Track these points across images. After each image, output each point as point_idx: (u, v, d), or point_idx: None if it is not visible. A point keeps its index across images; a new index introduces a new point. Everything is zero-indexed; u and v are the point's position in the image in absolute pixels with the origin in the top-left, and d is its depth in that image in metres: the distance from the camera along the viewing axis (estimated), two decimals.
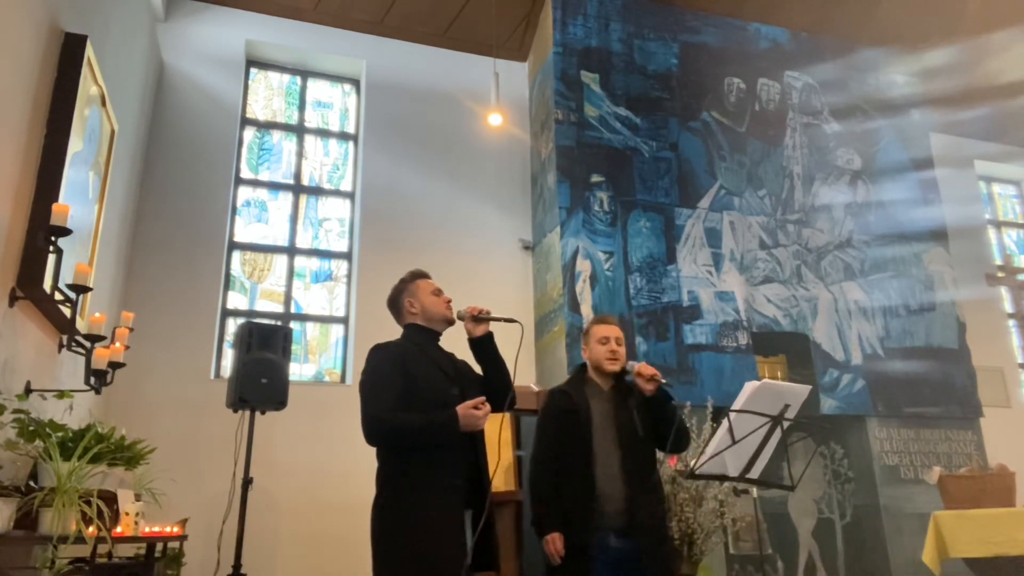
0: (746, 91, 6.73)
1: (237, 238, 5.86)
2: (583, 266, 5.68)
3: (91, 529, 2.60)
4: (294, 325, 5.70)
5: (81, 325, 3.44)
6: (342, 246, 6.15)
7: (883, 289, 6.52)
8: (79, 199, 3.50)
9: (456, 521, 2.33)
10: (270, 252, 5.95)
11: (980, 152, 8.22)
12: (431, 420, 2.35)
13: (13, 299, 2.90)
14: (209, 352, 5.29)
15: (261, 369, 3.95)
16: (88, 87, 3.50)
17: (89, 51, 3.43)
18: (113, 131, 4.11)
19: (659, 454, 2.97)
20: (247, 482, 3.90)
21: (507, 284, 6.12)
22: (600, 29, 6.38)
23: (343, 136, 6.48)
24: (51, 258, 3.00)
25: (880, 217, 6.77)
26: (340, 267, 6.11)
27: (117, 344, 3.66)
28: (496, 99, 5.54)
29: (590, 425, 2.85)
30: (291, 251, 6.00)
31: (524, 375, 5.71)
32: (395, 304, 2.72)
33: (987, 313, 7.34)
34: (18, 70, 2.91)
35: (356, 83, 6.59)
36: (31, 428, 2.64)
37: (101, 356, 3.48)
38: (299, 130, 6.36)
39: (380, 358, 2.50)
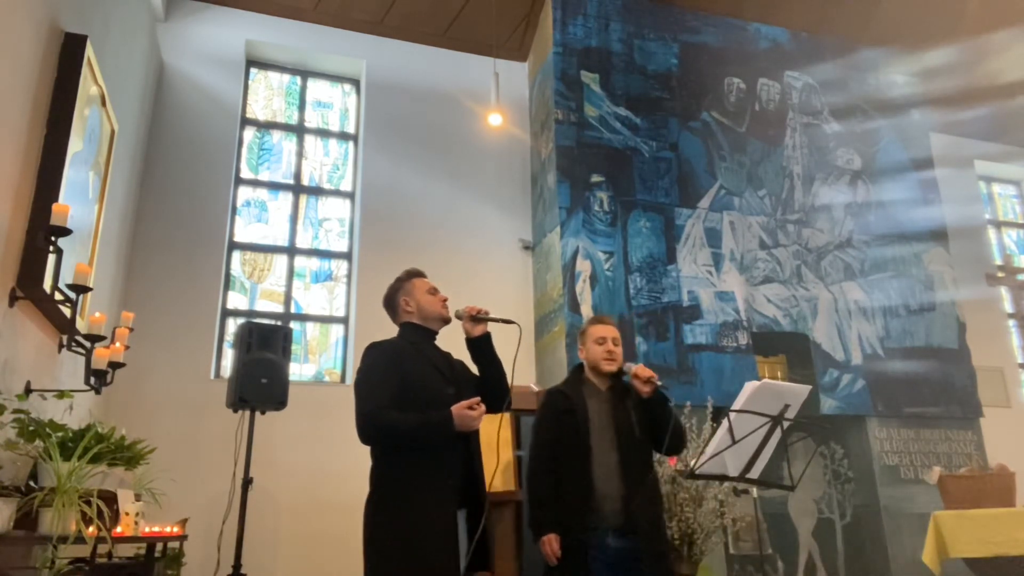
0: (746, 91, 6.73)
1: (237, 238, 5.86)
2: (583, 266, 5.68)
3: (91, 529, 2.60)
4: (294, 325, 5.70)
5: (81, 325, 3.44)
6: (342, 246, 6.15)
7: (883, 289, 6.52)
8: (79, 199, 3.50)
9: (449, 521, 2.32)
10: (270, 252, 5.95)
11: (980, 152, 8.22)
12: (426, 419, 2.34)
13: (13, 299, 2.90)
14: (209, 352, 5.29)
15: (261, 369, 3.95)
16: (88, 87, 3.50)
17: (89, 51, 3.43)
18: (113, 131, 4.11)
19: (657, 454, 2.97)
20: (247, 482, 3.91)
21: (507, 284, 6.12)
22: (600, 29, 6.38)
23: (343, 136, 6.48)
24: (51, 258, 3.00)
25: (880, 217, 6.77)
26: (340, 267, 6.11)
27: (117, 344, 3.66)
28: (496, 99, 5.54)
29: (588, 425, 2.85)
30: (291, 251, 6.00)
31: (524, 375, 5.71)
32: (391, 303, 2.72)
33: (987, 313, 7.34)
34: (18, 70, 2.91)
35: (356, 83, 6.59)
36: (31, 428, 2.64)
37: (101, 356, 3.48)
38: (299, 130, 6.36)
39: (376, 356, 2.50)
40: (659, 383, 2.78)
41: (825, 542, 5.69)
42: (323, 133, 6.45)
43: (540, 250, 6.14)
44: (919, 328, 6.50)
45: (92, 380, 3.46)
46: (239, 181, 5.98)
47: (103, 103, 3.83)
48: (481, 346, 2.60)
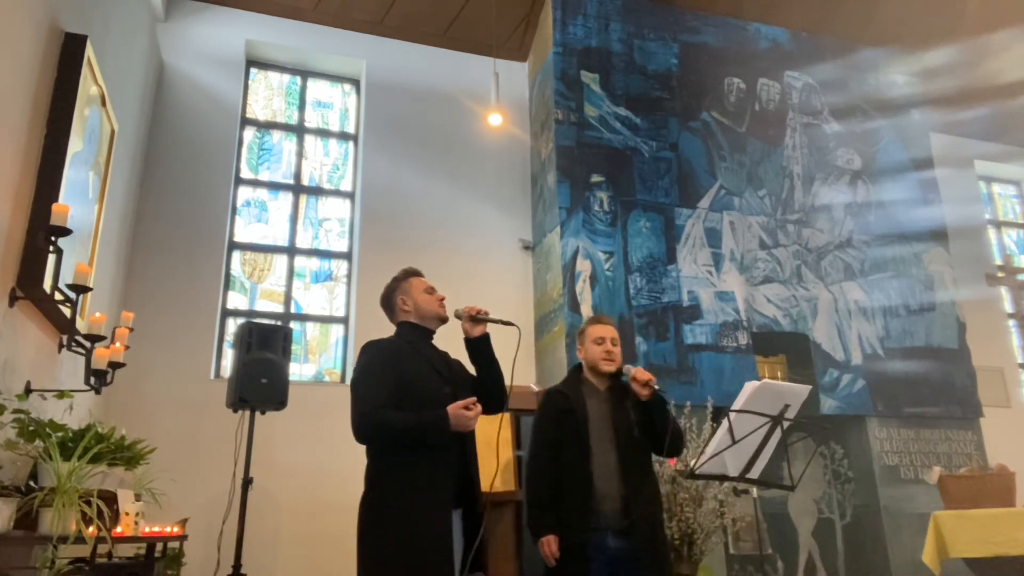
0: (746, 91, 6.73)
1: (237, 238, 5.86)
2: (583, 266, 5.68)
3: (91, 529, 2.60)
4: (294, 325, 5.70)
5: (81, 325, 3.44)
6: (342, 246, 6.15)
7: (883, 289, 6.52)
8: (79, 199, 3.50)
9: (443, 521, 2.32)
10: (270, 252, 5.95)
11: (980, 152, 8.22)
12: (421, 419, 2.34)
13: (13, 299, 2.90)
14: (209, 352, 5.29)
15: (261, 369, 3.95)
16: (88, 87, 3.50)
17: (89, 51, 3.43)
18: (113, 131, 4.11)
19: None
20: (247, 482, 3.91)
21: (507, 284, 6.12)
22: (600, 29, 6.38)
23: (343, 136, 6.48)
24: (51, 258, 3.00)
25: (880, 217, 6.77)
26: (340, 267, 6.11)
27: (117, 344, 3.66)
28: (496, 99, 5.54)
29: (587, 425, 2.85)
30: (291, 251, 6.00)
31: (524, 375, 5.71)
32: (388, 302, 2.71)
33: (987, 313, 7.34)
34: (18, 70, 2.91)
35: (356, 83, 6.59)
36: (31, 428, 2.64)
37: (101, 356, 3.48)
38: (299, 130, 6.36)
39: (372, 355, 2.49)
40: (657, 387, 2.78)
41: (825, 542, 5.69)
42: (323, 133, 6.45)
43: (540, 250, 6.15)
44: (919, 328, 6.50)
45: (92, 380, 3.46)
46: (239, 181, 5.98)
47: (103, 103, 3.83)
48: (480, 347, 2.60)
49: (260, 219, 6.03)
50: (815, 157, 6.77)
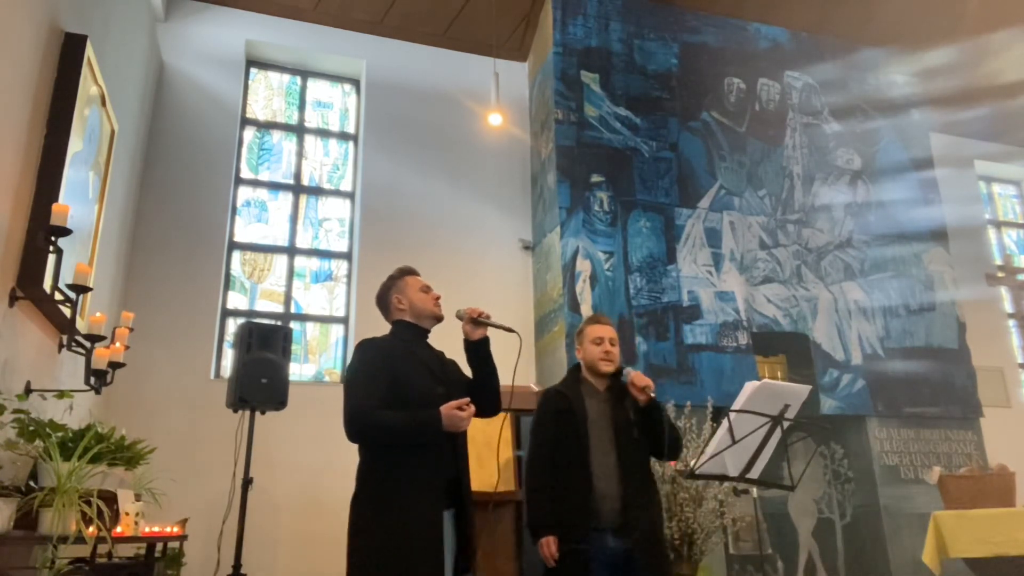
0: (746, 91, 6.73)
1: (237, 238, 5.86)
2: (583, 266, 5.68)
3: (91, 529, 2.60)
4: (294, 325, 5.70)
5: (81, 325, 3.44)
6: (342, 246, 6.15)
7: (883, 289, 6.52)
8: (79, 199, 3.50)
9: (435, 521, 2.30)
10: (270, 252, 5.95)
11: (980, 152, 8.22)
12: (414, 418, 2.33)
13: (13, 299, 2.90)
14: (209, 352, 5.29)
15: (261, 369, 3.95)
16: (88, 87, 3.50)
17: (89, 51, 3.44)
18: (113, 131, 4.11)
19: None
20: (247, 482, 3.91)
21: (507, 284, 6.12)
22: (600, 29, 6.38)
23: (343, 136, 6.48)
24: (51, 258, 3.00)
25: (880, 217, 6.77)
26: (340, 267, 6.11)
27: (117, 344, 3.66)
28: (496, 99, 5.54)
29: (586, 425, 2.84)
30: (291, 251, 6.00)
31: (524, 375, 5.70)
32: (383, 301, 2.69)
33: (987, 313, 7.34)
34: (18, 70, 2.91)
35: (356, 83, 6.59)
36: (31, 428, 2.64)
37: (101, 356, 3.48)
38: (299, 130, 6.36)
39: (366, 354, 2.48)
40: (653, 395, 2.77)
41: (825, 542, 5.69)
42: (323, 133, 6.45)
43: (540, 250, 6.15)
44: (919, 328, 6.50)
45: (92, 380, 3.46)
46: (239, 181, 5.98)
47: (103, 103, 3.83)
48: (479, 350, 2.57)
49: (260, 219, 6.03)
50: (815, 157, 6.77)
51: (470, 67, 6.52)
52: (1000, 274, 7.29)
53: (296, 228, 6.07)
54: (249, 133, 6.19)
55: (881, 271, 6.58)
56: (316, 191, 6.25)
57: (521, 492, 3.57)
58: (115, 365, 3.60)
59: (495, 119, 5.78)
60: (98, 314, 3.59)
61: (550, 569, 2.72)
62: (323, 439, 5.14)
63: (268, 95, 6.39)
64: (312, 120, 6.46)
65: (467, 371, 2.65)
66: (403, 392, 2.39)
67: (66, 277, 3.11)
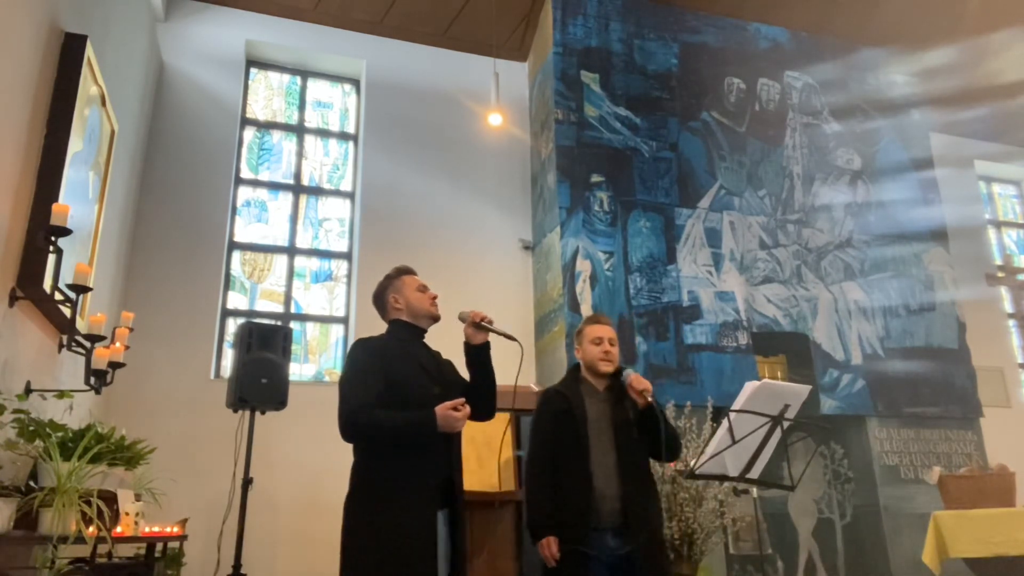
0: (746, 91, 6.73)
1: (237, 238, 5.86)
2: (583, 266, 5.68)
3: (91, 529, 2.60)
4: (294, 325, 5.70)
5: (81, 325, 3.44)
6: (342, 246, 6.15)
7: (883, 289, 6.52)
8: (79, 199, 3.50)
9: (429, 522, 2.30)
10: (270, 252, 5.95)
11: (980, 152, 8.22)
12: (408, 419, 2.32)
13: (13, 299, 2.90)
14: (209, 352, 5.29)
15: (261, 369, 3.95)
16: (88, 87, 3.50)
17: (89, 51, 3.44)
18: (113, 131, 4.11)
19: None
20: (247, 482, 3.91)
21: (507, 284, 6.12)
22: (600, 29, 6.38)
23: (343, 136, 6.48)
24: (51, 258, 3.00)
25: (880, 217, 6.77)
26: (340, 267, 6.11)
27: (117, 344, 3.66)
28: (496, 99, 5.54)
29: (586, 425, 2.84)
30: (291, 251, 6.00)
31: (524, 375, 5.69)
32: (380, 300, 2.68)
33: (987, 313, 7.34)
34: (18, 70, 2.91)
35: (356, 83, 6.59)
36: (31, 428, 2.64)
37: (101, 356, 3.48)
38: (299, 130, 6.36)
39: (361, 353, 2.47)
40: (650, 400, 2.76)
41: (825, 542, 5.69)
42: (323, 133, 6.45)
43: (540, 250, 6.15)
44: (919, 328, 6.50)
45: (92, 380, 3.46)
46: (239, 181, 5.98)
47: (103, 103, 3.83)
48: (479, 355, 2.56)
49: (260, 219, 6.03)
50: (815, 157, 6.77)
51: (470, 67, 6.52)
52: (1000, 274, 7.29)
53: (296, 228, 6.07)
54: (249, 133, 6.19)
55: (881, 271, 6.58)
56: (316, 191, 6.25)
57: (521, 492, 3.58)
58: (115, 365, 3.60)
59: (495, 119, 5.78)
60: (98, 314, 3.59)
61: (550, 569, 2.72)
62: (323, 439, 5.12)
63: (268, 95, 6.39)
64: (312, 120, 6.46)
65: (465, 372, 2.64)
66: (398, 392, 2.38)
67: (66, 277, 3.11)
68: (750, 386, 2.96)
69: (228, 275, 5.70)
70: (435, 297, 2.66)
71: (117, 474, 3.05)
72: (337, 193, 6.30)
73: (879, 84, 7.27)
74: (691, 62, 6.59)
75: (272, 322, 5.02)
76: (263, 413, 4.10)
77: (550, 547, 2.70)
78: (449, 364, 2.65)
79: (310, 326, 5.92)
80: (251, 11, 6.09)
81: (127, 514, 3.12)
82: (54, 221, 2.91)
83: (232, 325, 5.57)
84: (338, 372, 5.81)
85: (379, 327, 2.73)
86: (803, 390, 2.99)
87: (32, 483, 2.62)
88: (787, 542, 5.58)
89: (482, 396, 2.54)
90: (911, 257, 6.74)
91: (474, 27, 6.46)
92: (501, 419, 3.82)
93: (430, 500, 2.32)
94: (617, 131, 6.14)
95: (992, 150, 8.28)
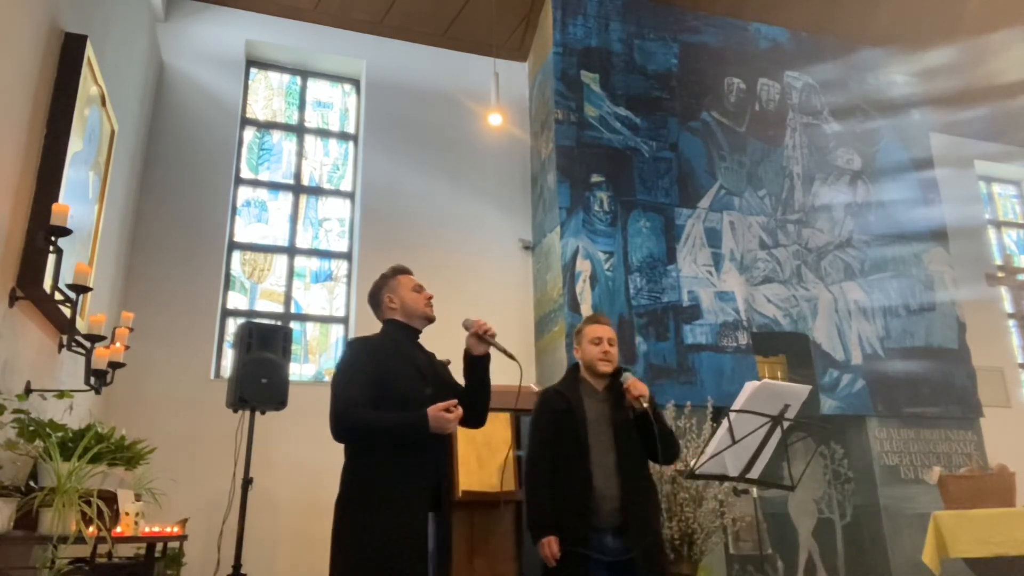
0: (746, 91, 6.73)
1: (237, 238, 5.86)
2: (583, 266, 5.68)
3: (91, 529, 2.60)
4: (294, 325, 5.70)
5: (81, 325, 3.44)
6: (342, 246, 6.15)
7: (883, 289, 6.52)
8: (79, 199, 3.50)
9: (419, 524, 2.28)
10: (270, 252, 5.95)
11: (980, 152, 8.22)
12: (400, 419, 2.30)
13: (13, 299, 2.90)
14: (209, 352, 5.29)
15: (261, 369, 3.95)
16: (88, 87, 3.50)
17: (89, 51, 3.43)
18: (113, 131, 4.11)
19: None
20: (247, 482, 3.91)
21: (507, 284, 6.12)
22: (600, 29, 6.38)
23: (343, 136, 6.48)
24: (51, 258, 3.00)
25: (880, 217, 6.77)
26: (340, 267, 6.11)
27: (117, 344, 3.66)
28: (496, 99, 5.54)
29: (585, 425, 2.84)
30: (291, 251, 6.00)
31: (524, 375, 5.70)
32: (375, 299, 2.67)
33: (987, 313, 7.34)
34: (18, 70, 2.91)
35: (356, 83, 6.59)
36: (31, 428, 2.64)
37: (101, 356, 3.48)
38: (299, 130, 6.36)
39: (354, 353, 2.46)
40: (645, 405, 2.75)
41: (825, 542, 5.69)
42: (323, 133, 6.45)
43: (540, 250, 6.14)
44: (919, 328, 6.50)
45: (92, 380, 3.46)
46: (239, 181, 5.98)
47: (103, 103, 3.83)
48: (477, 366, 2.53)
49: (260, 219, 6.03)
50: (815, 157, 6.77)
51: (470, 67, 6.52)
52: (1000, 274, 7.29)
53: (296, 228, 6.07)
54: (249, 133, 6.19)
55: (881, 271, 6.58)
56: (316, 191, 6.25)
57: (521, 492, 3.58)
58: (115, 365, 3.60)
59: (495, 119, 5.78)
60: (98, 314, 3.59)
61: (549, 569, 2.72)
62: (323, 439, 5.10)
63: (268, 95, 6.39)
64: (312, 120, 6.46)
65: (460, 377, 2.62)
66: (390, 392, 2.36)
67: (66, 277, 3.11)
68: (750, 386, 2.96)
69: (228, 275, 5.70)
70: (430, 297, 2.64)
71: (117, 474, 3.05)
72: (337, 193, 6.29)
73: (879, 84, 7.27)
74: (691, 62, 6.59)
75: (272, 322, 5.02)
76: (263, 413, 4.10)
77: (551, 547, 2.70)
78: (443, 366, 2.64)
79: (310, 326, 5.92)
80: (251, 11, 6.09)
81: (127, 514, 3.12)
82: (54, 221, 2.91)
83: (232, 325, 5.57)
84: None
85: (378, 326, 2.73)
86: (803, 390, 2.99)
87: (32, 483, 2.61)
88: (787, 542, 5.59)
89: (474, 405, 2.51)
90: (911, 257, 6.74)
91: (474, 27, 6.46)
92: (501, 419, 3.83)
93: (421, 503, 2.31)
94: (617, 131, 6.14)
95: (992, 150, 8.28)
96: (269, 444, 4.82)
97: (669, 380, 5.51)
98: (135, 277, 5.21)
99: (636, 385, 2.79)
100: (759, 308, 6.06)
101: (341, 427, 2.33)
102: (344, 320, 5.94)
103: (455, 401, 2.34)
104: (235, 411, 3.98)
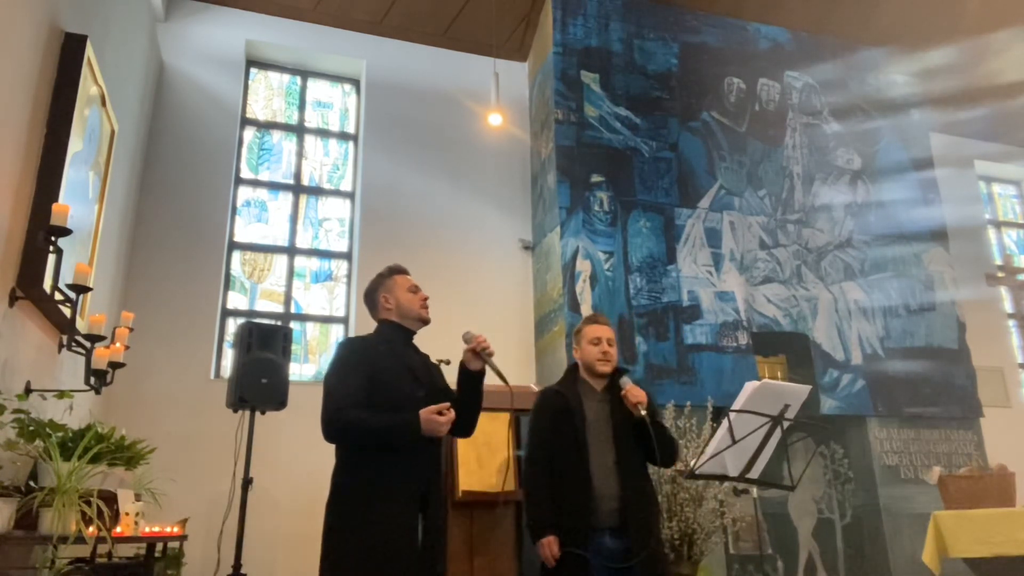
0: (746, 91, 6.73)
1: (237, 238, 5.86)
2: (583, 266, 5.68)
3: (91, 529, 2.59)
4: (294, 325, 5.70)
5: (81, 325, 3.44)
6: (342, 246, 6.15)
7: (883, 289, 6.52)
8: (79, 199, 3.50)
9: (409, 526, 2.27)
10: (270, 252, 5.95)
11: (980, 152, 8.22)
12: (391, 421, 2.28)
13: (13, 299, 2.90)
14: (209, 352, 5.29)
15: (261, 369, 3.95)
16: (88, 87, 3.50)
17: (89, 51, 3.43)
18: (113, 131, 4.11)
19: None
20: (247, 482, 3.91)
21: (507, 284, 6.12)
22: (600, 29, 6.38)
23: (343, 136, 6.48)
24: (51, 258, 3.00)
25: (880, 217, 6.77)
26: (340, 267, 6.11)
27: (117, 344, 3.66)
28: (496, 99, 5.54)
29: (584, 425, 2.84)
30: (291, 251, 6.00)
31: (524, 375, 5.71)
32: (370, 298, 2.66)
33: (987, 313, 7.34)
34: (18, 70, 2.91)
35: (356, 83, 6.59)
36: (31, 428, 2.64)
37: (101, 356, 3.48)
38: (299, 130, 6.36)
39: (347, 353, 2.45)
40: (643, 413, 2.75)
41: (825, 542, 5.69)
42: (323, 133, 6.45)
43: (540, 250, 6.14)
44: (919, 328, 6.50)
45: (92, 380, 3.46)
46: (239, 181, 5.98)
47: (103, 103, 3.83)
48: (471, 381, 2.51)
49: (260, 219, 6.03)
50: (815, 157, 6.77)
51: (470, 67, 6.51)
52: (1000, 274, 7.30)
53: (296, 228, 6.07)
54: (249, 133, 6.19)
55: (881, 271, 6.58)
56: (316, 191, 6.25)
57: (520, 492, 3.58)
58: (115, 365, 3.60)
59: (495, 119, 5.78)
60: (98, 314, 3.59)
61: (548, 569, 2.72)
62: (323, 439, 5.13)
63: (268, 95, 6.39)
64: (312, 120, 6.46)
65: (452, 377, 2.60)
66: (382, 393, 2.35)
67: (66, 277, 3.11)
68: (750, 386, 2.96)
69: (228, 275, 5.70)
70: (426, 299, 2.62)
71: (117, 474, 3.05)
72: (337, 193, 6.29)
73: (879, 84, 7.27)
74: (691, 62, 6.59)
75: (272, 322, 5.02)
76: (263, 413, 4.10)
77: (551, 547, 2.70)
78: (438, 369, 2.62)
79: (310, 326, 5.92)
80: (251, 11, 6.09)
81: (127, 514, 3.12)
82: (54, 221, 2.91)
83: (232, 325, 5.57)
84: None
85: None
86: (803, 390, 2.99)
87: (32, 483, 2.61)
88: (787, 542, 5.58)
89: (464, 416, 2.48)
90: (911, 257, 6.74)
91: (474, 27, 6.46)
92: (501, 419, 3.83)
93: (411, 505, 2.29)
94: (617, 131, 6.14)
95: (992, 150, 8.28)
96: (269, 444, 4.81)
97: (669, 380, 5.51)
98: (135, 277, 5.21)
99: (634, 392, 2.79)
100: (759, 308, 6.06)
101: (332, 428, 2.32)
102: (344, 320, 5.94)
103: (448, 404, 2.32)
104: (235, 411, 3.98)
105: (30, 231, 3.00)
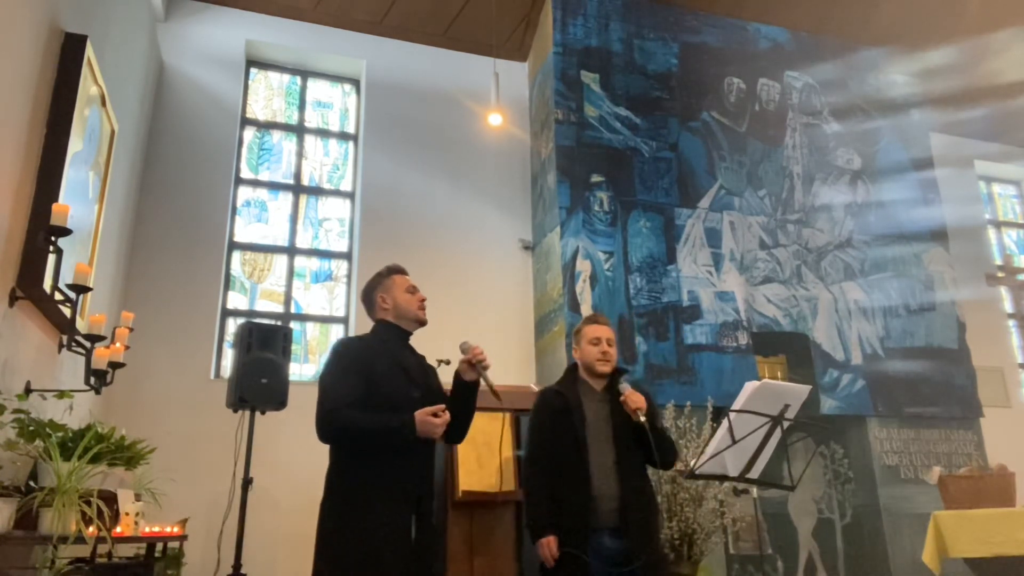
0: (746, 91, 6.73)
1: (237, 238, 5.86)
2: (583, 266, 5.68)
3: (91, 529, 2.59)
4: (294, 325, 5.70)
5: (81, 325, 3.44)
6: (342, 246, 6.15)
7: (883, 289, 6.52)
8: (79, 199, 3.50)
9: (403, 528, 2.26)
10: (270, 252, 5.95)
11: (980, 152, 8.22)
12: (386, 422, 2.28)
13: (13, 299, 2.90)
14: (209, 352, 5.29)
15: (261, 369, 3.95)
16: (88, 87, 3.50)
17: (89, 51, 3.43)
18: (113, 131, 4.11)
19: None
20: (247, 482, 3.91)
21: (507, 284, 6.12)
22: (600, 29, 6.38)
23: (343, 136, 6.48)
24: (51, 258, 3.00)
25: (880, 217, 6.77)
26: (340, 267, 6.11)
27: (117, 344, 3.66)
28: (496, 99, 5.54)
29: (584, 425, 2.84)
30: (291, 251, 6.00)
31: (524, 375, 5.71)
32: (368, 298, 2.65)
33: (987, 313, 7.34)
34: (18, 70, 2.91)
35: (356, 83, 6.59)
36: (31, 428, 2.64)
37: (101, 356, 3.48)
38: (299, 130, 6.36)
39: (343, 353, 2.44)
40: (642, 419, 2.75)
41: (825, 542, 5.69)
42: (323, 133, 6.45)
43: (540, 250, 6.14)
44: (919, 328, 6.50)
45: (92, 380, 3.46)
46: (239, 181, 5.98)
47: (103, 103, 3.83)
48: (465, 390, 2.51)
49: (260, 219, 6.03)
50: (815, 157, 6.77)
51: (470, 67, 6.51)
52: (1000, 274, 7.29)
53: (296, 228, 6.07)
54: (249, 133, 6.19)
55: (881, 271, 6.58)
56: (316, 191, 6.25)
57: (520, 492, 3.58)
58: (115, 365, 3.60)
59: (495, 119, 5.78)
60: (98, 314, 3.59)
61: (548, 569, 2.72)
62: None
63: (268, 95, 6.39)
64: (312, 120, 6.46)
65: (447, 379, 2.59)
66: (377, 394, 2.34)
67: (66, 277, 3.11)
68: (750, 386, 2.96)
69: (228, 275, 5.70)
70: (424, 300, 2.61)
71: (117, 474, 3.05)
72: (337, 193, 6.29)
73: (879, 84, 7.27)
74: (691, 62, 6.59)
75: (272, 322, 5.02)
76: (263, 413, 4.10)
77: (551, 547, 2.70)
78: (434, 371, 2.61)
79: (310, 326, 5.92)
80: (251, 11, 6.09)
81: (127, 514, 3.12)
82: (54, 221, 2.91)
83: (232, 325, 5.57)
84: None
85: None
86: (803, 390, 2.99)
87: (32, 483, 2.61)
88: (787, 542, 5.58)
89: (456, 423, 2.47)
90: (911, 257, 6.74)
91: (474, 27, 6.46)
92: (501, 419, 3.83)
93: (405, 507, 2.28)
94: (617, 131, 6.14)
95: (992, 150, 8.28)
96: (269, 444, 4.81)
97: (669, 380, 5.51)
98: (135, 277, 5.21)
99: (633, 398, 2.78)
100: (759, 308, 6.06)
101: (327, 428, 2.31)
102: (344, 320, 5.94)
103: (443, 406, 2.32)
104: (235, 411, 3.98)
105: (30, 231, 3.00)
